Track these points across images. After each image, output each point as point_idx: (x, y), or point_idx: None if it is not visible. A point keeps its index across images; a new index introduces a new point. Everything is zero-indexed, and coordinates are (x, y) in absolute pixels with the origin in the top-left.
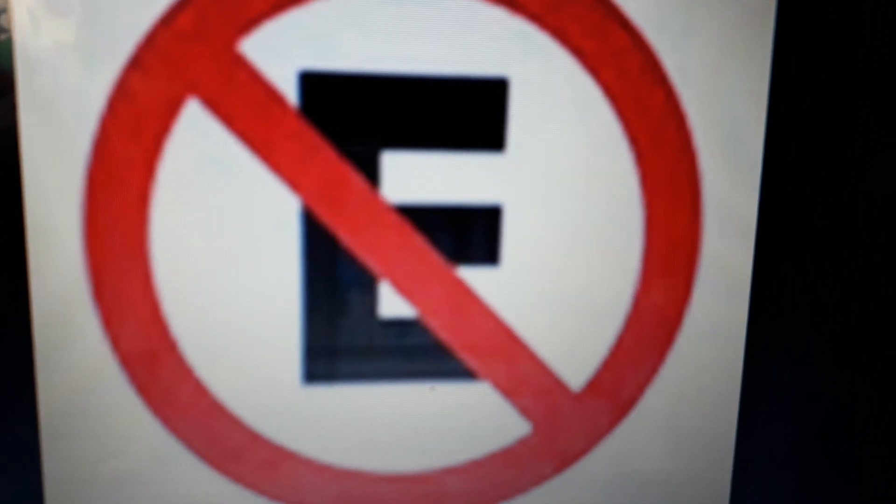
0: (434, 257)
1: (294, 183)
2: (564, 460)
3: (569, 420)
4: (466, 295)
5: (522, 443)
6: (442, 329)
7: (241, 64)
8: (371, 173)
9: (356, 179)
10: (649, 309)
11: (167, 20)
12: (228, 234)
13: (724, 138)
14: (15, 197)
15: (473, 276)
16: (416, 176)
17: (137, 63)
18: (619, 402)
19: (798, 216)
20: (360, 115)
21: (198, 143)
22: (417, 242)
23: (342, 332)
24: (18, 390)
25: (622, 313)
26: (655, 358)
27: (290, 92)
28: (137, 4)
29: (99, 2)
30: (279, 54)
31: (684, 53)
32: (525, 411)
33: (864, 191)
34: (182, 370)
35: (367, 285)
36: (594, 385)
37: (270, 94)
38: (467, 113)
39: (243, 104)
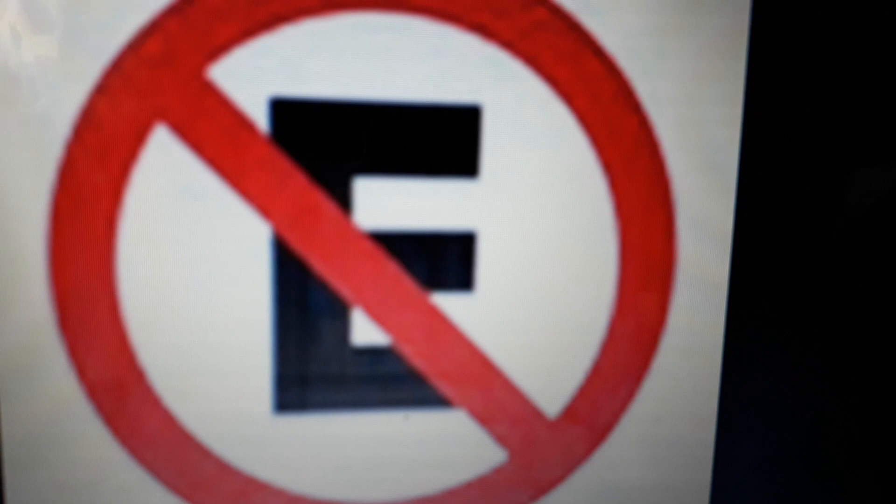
0: (408, 284)
1: (265, 210)
2: (540, 488)
3: (545, 447)
4: (441, 322)
5: (498, 471)
6: (416, 356)
7: (211, 90)
8: (343, 200)
9: (328, 206)
10: (625, 334)
11: (135, 45)
12: (198, 261)
13: (699, 164)
14: None
15: (448, 302)
16: (388, 202)
17: (104, 89)
18: (595, 429)
19: (775, 241)
20: (332, 141)
21: (166, 170)
22: (391, 269)
23: (314, 360)
24: None
25: (598, 339)
26: (631, 383)
27: (260, 118)
28: (104, 29)
29: (65, 27)
30: (249, 81)
31: (657, 80)
32: (501, 439)
33: (839, 210)
34: (150, 400)
35: (340, 313)
36: (570, 412)
37: (240, 121)
38: (440, 139)
39: (213, 131)
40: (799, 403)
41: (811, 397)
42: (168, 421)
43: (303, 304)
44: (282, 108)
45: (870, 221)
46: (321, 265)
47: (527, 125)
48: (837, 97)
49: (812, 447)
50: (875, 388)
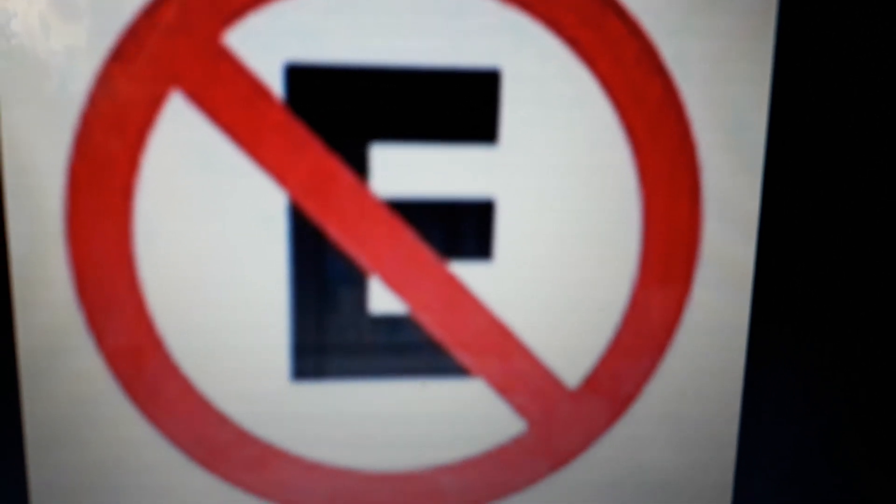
0: (425, 252)
1: (281, 177)
2: (560, 459)
3: (564, 418)
4: (459, 290)
5: (517, 441)
6: (434, 325)
7: (226, 56)
8: (360, 167)
9: (344, 173)
10: (648, 304)
11: (150, 12)
12: (214, 229)
13: (725, 129)
14: None
15: (466, 271)
16: (406, 169)
17: (119, 56)
18: (616, 400)
19: (802, 210)
20: (348, 107)
21: (182, 137)
22: (408, 237)
23: (331, 328)
24: (2, 393)
25: (620, 308)
26: (654, 354)
27: (275, 85)
28: None
29: None
30: (264, 47)
31: (683, 42)
32: (520, 409)
33: (871, 183)
34: (168, 368)
35: (357, 281)
36: (591, 382)
37: (256, 88)
38: (459, 105)
39: (228, 97)
40: (825, 382)
41: (837, 376)
42: (186, 388)
43: (320, 271)
44: (297, 74)
45: None
46: (338, 233)
47: (547, 89)
48: (874, 59)
49: (838, 426)
50: None
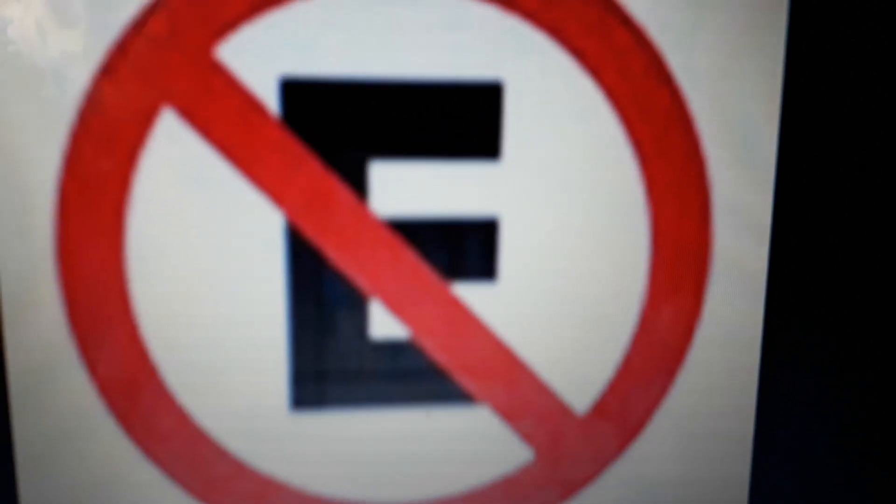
0: (427, 273)
1: (277, 196)
2: (569, 488)
3: (573, 445)
4: (462, 313)
5: (524, 470)
6: (437, 350)
7: (218, 71)
8: (359, 185)
9: (343, 192)
10: (658, 325)
11: (139, 25)
12: (209, 252)
13: (735, 141)
14: None
15: (469, 292)
16: (406, 187)
17: (109, 71)
18: (626, 426)
19: (815, 222)
20: (346, 123)
21: (174, 156)
22: (409, 258)
23: (331, 354)
24: None
25: (629, 331)
26: (665, 378)
27: (270, 100)
28: (107, 8)
29: (66, 7)
30: (259, 60)
31: (691, 52)
32: (527, 437)
33: (883, 192)
34: (163, 398)
35: (357, 305)
36: (600, 408)
37: (250, 103)
38: (460, 119)
39: (221, 113)
40: (839, 397)
41: (852, 391)
42: (182, 419)
43: (318, 295)
44: (293, 89)
45: None
46: (336, 255)
47: (552, 102)
48: (884, 68)
49: (852, 442)
50: None
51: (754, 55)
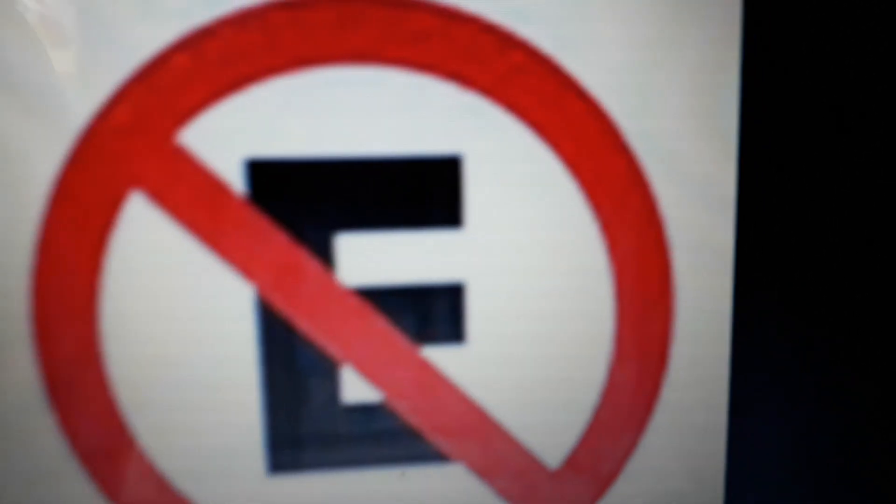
0: (397, 339)
1: (247, 271)
2: None
3: (548, 499)
4: (433, 375)
5: None
6: (409, 412)
7: (182, 155)
8: (326, 257)
9: (311, 264)
10: (625, 380)
11: (104, 115)
12: (183, 325)
13: (692, 202)
14: None
15: (439, 355)
16: (372, 257)
17: (76, 160)
18: (598, 478)
19: (775, 282)
20: (311, 199)
21: (145, 237)
22: (378, 325)
23: (305, 419)
24: None
25: (597, 386)
26: (635, 430)
27: (236, 180)
28: (72, 100)
29: (30, 101)
30: (222, 143)
31: (644, 119)
32: (502, 492)
33: (843, 245)
34: (143, 465)
35: (329, 371)
36: (572, 462)
37: (215, 184)
38: (421, 191)
39: (188, 195)
40: (811, 436)
41: (822, 437)
42: (162, 485)
43: (291, 363)
44: (258, 169)
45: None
46: (307, 324)
47: (511, 172)
48: (840, 121)
49: (824, 487)
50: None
51: (707, 116)
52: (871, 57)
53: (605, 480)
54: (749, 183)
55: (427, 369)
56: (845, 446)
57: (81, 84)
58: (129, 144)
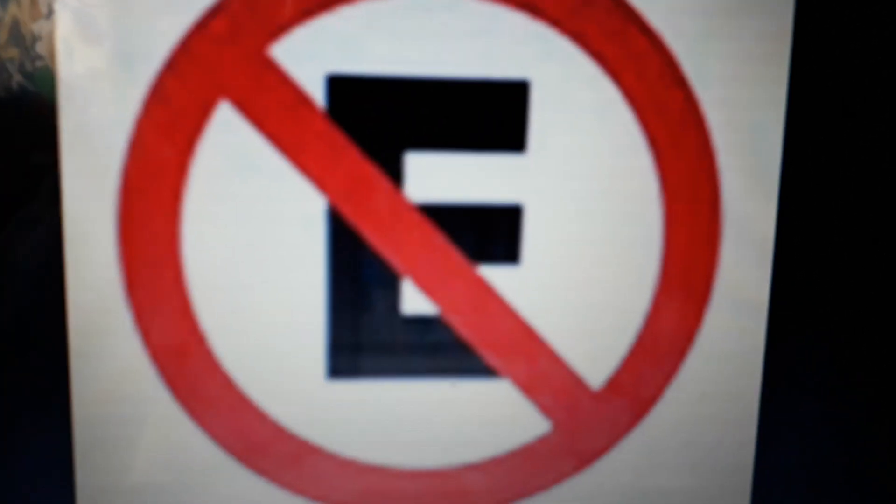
0: (455, 256)
1: (321, 182)
2: (584, 459)
3: (588, 419)
4: (487, 293)
5: (542, 441)
6: (463, 326)
7: (271, 68)
8: (395, 174)
9: (381, 179)
10: (668, 308)
11: (201, 25)
12: (257, 232)
13: (744, 141)
14: (54, 196)
15: (494, 274)
16: (438, 176)
17: (172, 66)
18: (638, 402)
19: (818, 215)
20: (385, 117)
21: (229, 145)
22: (439, 241)
23: (365, 328)
24: (53, 389)
25: (642, 312)
26: (675, 357)
27: (317, 95)
28: (174, 10)
29: (136, 9)
30: (308, 58)
31: (703, 58)
32: (545, 409)
33: (889, 205)
34: (210, 364)
35: (390, 283)
36: (614, 384)
37: (299, 97)
38: (489, 115)
39: (273, 107)
40: (846, 385)
41: (860, 378)
42: (227, 385)
43: (356, 274)
44: (338, 85)
45: None
46: (373, 236)
47: (573, 101)
48: (888, 78)
49: (861, 427)
50: None
51: (761, 63)
52: None
53: (646, 403)
54: (796, 130)
55: (482, 287)
56: (882, 377)
57: None
58: (223, 54)
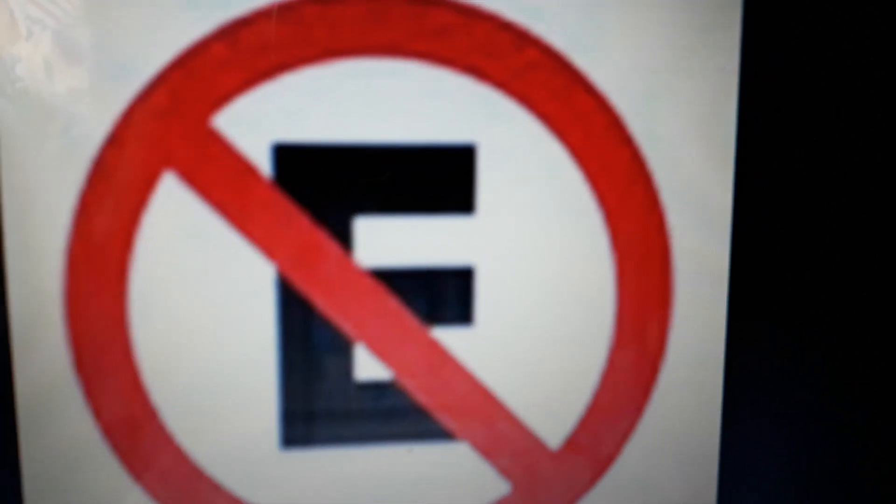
0: (408, 319)
1: (269, 251)
2: None
3: (548, 478)
4: (442, 355)
5: (502, 503)
6: (418, 390)
7: (215, 138)
8: (345, 239)
9: (330, 245)
10: (625, 364)
11: (143, 97)
12: (206, 303)
13: (692, 196)
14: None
15: (448, 336)
16: (388, 240)
17: (115, 140)
18: (597, 459)
19: (770, 269)
20: (333, 183)
21: (175, 215)
22: (391, 305)
23: (319, 395)
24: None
25: (598, 370)
26: (632, 413)
27: (263, 163)
28: (114, 82)
29: (77, 81)
30: (252, 128)
31: (649, 117)
32: (504, 471)
33: (835, 245)
34: (163, 438)
35: (343, 349)
36: (572, 443)
37: (244, 167)
38: (437, 178)
39: (218, 176)
40: (806, 419)
41: (819, 412)
42: (180, 457)
43: (307, 341)
44: (284, 153)
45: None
46: (324, 303)
47: (521, 161)
48: (835, 129)
49: (821, 463)
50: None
51: (708, 118)
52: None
53: (605, 461)
54: (745, 182)
55: (436, 349)
56: (843, 436)
57: (125, 68)
58: (165, 126)
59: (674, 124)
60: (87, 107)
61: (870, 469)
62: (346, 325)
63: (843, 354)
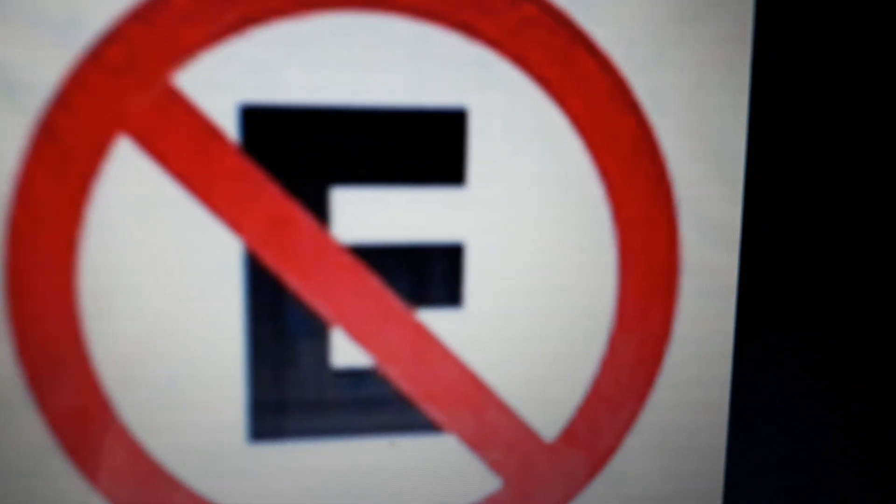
0: (391, 300)
1: (236, 224)
2: None
3: (542, 473)
4: (427, 340)
5: (492, 499)
6: (401, 378)
7: (176, 98)
8: (320, 212)
9: (304, 219)
10: (627, 348)
11: (96, 54)
12: (165, 282)
13: (703, 167)
14: None
15: (435, 319)
16: (369, 213)
17: (63, 100)
18: (596, 453)
19: (785, 242)
20: (307, 150)
21: (130, 185)
22: (372, 285)
23: (291, 384)
24: None
25: (597, 356)
26: (634, 403)
27: (230, 127)
28: (62, 35)
29: (19, 34)
30: (218, 87)
31: (656, 78)
32: (495, 465)
33: (850, 212)
34: (116, 431)
35: (318, 333)
36: (569, 435)
37: (208, 130)
38: (423, 145)
39: (179, 141)
40: (812, 411)
41: (825, 404)
42: (136, 453)
43: (278, 324)
44: (253, 116)
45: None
46: (297, 282)
47: (517, 129)
48: (849, 90)
49: (825, 455)
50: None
51: (720, 78)
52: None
53: (604, 455)
54: (759, 149)
55: (422, 333)
56: (850, 425)
57: (74, 20)
58: (120, 86)
59: (683, 85)
60: (32, 63)
61: (878, 462)
62: (321, 307)
63: (852, 346)
